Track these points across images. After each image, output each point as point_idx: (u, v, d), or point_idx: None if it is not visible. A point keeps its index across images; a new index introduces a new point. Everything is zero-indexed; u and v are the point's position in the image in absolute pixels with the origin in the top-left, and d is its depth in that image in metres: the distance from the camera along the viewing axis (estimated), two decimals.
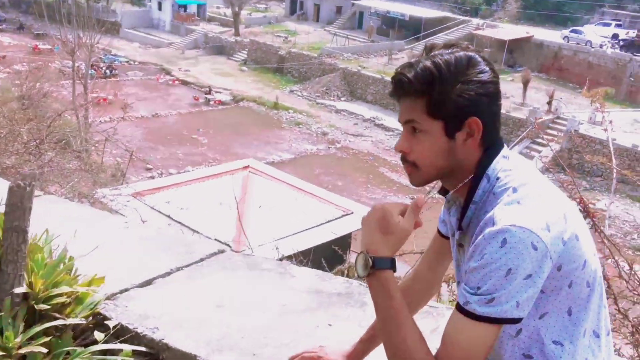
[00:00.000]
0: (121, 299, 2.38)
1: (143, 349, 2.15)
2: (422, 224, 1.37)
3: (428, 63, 1.33)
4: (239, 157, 20.78)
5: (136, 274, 2.57)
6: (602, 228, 3.33)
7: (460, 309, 1.25)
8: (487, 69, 1.35)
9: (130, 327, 2.18)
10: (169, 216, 10.96)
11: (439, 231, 1.64)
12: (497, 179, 1.33)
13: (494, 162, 1.35)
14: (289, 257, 5.10)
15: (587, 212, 3.15)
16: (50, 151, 7.58)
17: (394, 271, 1.30)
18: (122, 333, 2.20)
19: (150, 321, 2.19)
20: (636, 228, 20.79)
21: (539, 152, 24.08)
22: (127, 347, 2.18)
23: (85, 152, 18.10)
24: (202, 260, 2.70)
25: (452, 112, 1.32)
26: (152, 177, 19.81)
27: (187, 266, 2.63)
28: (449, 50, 1.35)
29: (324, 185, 18.77)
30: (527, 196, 1.27)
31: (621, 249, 3.52)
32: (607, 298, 3.03)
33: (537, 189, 1.30)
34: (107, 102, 27.39)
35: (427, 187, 1.61)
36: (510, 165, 1.35)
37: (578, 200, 3.18)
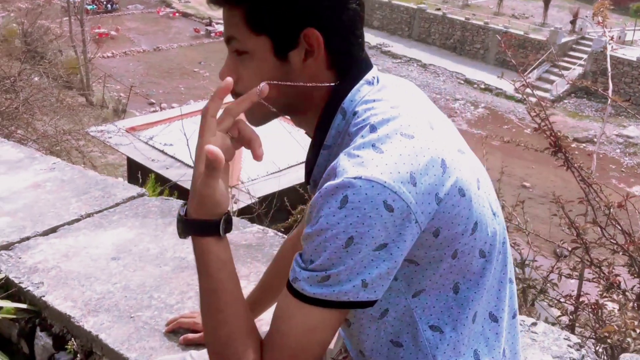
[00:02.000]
0: (18, 249, 2.16)
1: (24, 306, 1.94)
2: (261, 154, 1.00)
3: None
4: None
5: (42, 221, 2.34)
6: (584, 165, 2.93)
7: (289, 287, 0.96)
8: None
9: (16, 280, 1.96)
10: (162, 151, 10.75)
11: None
12: (355, 114, 1.00)
13: (353, 90, 1.02)
14: (265, 198, 4.87)
15: (558, 147, 2.72)
16: (27, 88, 7.28)
17: (221, 234, 1.00)
18: (7, 287, 1.98)
19: (37, 275, 1.97)
20: None
21: (560, 76, 22.91)
22: (7, 304, 1.97)
23: (85, 88, 17.88)
24: (116, 205, 2.46)
25: (277, 22, 0.99)
26: (155, 112, 19.55)
27: (98, 212, 2.39)
28: None
29: None
30: (387, 137, 0.93)
31: (609, 188, 3.07)
32: (575, 249, 2.74)
33: (406, 125, 0.95)
34: (109, 36, 26.88)
35: None
36: (377, 94, 1.02)
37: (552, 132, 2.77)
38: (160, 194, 5.41)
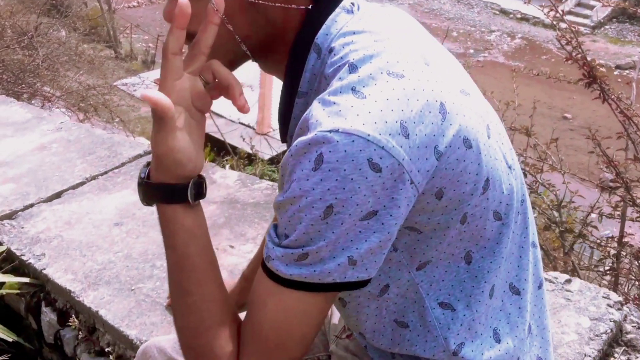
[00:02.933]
0: (21, 217, 2.07)
1: (27, 280, 1.86)
2: (242, 104, 0.82)
3: None
4: None
5: (46, 186, 2.25)
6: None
7: (263, 266, 0.80)
8: None
9: (18, 253, 1.88)
10: None
11: None
12: (331, 51, 0.81)
13: (328, 21, 0.83)
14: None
15: (592, 77, 2.45)
16: (47, 43, 7.16)
17: (190, 200, 0.82)
18: (11, 260, 1.90)
19: (39, 246, 1.88)
20: None
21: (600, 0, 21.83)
22: (11, 279, 1.89)
23: (112, 40, 17.75)
24: (122, 165, 2.35)
25: None
26: None
27: (103, 174, 2.29)
28: None
29: None
30: (370, 77, 0.74)
31: None
32: (616, 189, 2.52)
33: (394, 62, 0.76)
34: None
35: None
36: (358, 24, 0.82)
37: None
38: None
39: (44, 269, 1.77)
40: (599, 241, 2.36)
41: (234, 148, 4.75)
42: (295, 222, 0.74)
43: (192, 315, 0.84)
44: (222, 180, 2.08)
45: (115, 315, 1.54)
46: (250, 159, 4.31)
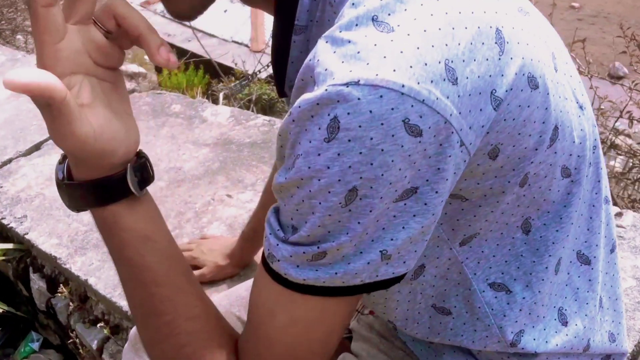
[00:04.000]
0: (0, 174, 1.89)
1: (10, 245, 1.70)
2: (163, 56, 0.56)
3: None
4: None
5: (24, 137, 2.06)
6: None
7: (265, 265, 0.61)
8: None
9: None
10: (181, 23, 10.18)
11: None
12: None
13: None
14: None
15: None
16: None
17: (134, 192, 0.61)
18: None
19: (21, 207, 1.70)
20: None
21: None
22: None
23: None
24: None
25: None
26: None
27: None
28: None
29: None
30: (398, 0, 0.52)
31: None
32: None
33: None
34: None
35: None
36: None
37: None
38: (186, 68, 5.06)
39: (27, 233, 1.61)
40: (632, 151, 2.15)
41: (229, 69, 4.49)
42: (305, 212, 0.55)
43: (168, 341, 0.65)
44: (213, 119, 1.87)
45: (106, 283, 1.39)
46: (247, 79, 4.07)
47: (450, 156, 0.52)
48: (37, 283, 1.66)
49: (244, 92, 3.27)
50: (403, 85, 0.49)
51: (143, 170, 0.62)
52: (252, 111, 2.48)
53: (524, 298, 0.68)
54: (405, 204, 0.54)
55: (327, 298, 0.58)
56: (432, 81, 0.50)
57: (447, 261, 0.67)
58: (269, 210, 0.61)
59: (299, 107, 0.51)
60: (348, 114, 0.49)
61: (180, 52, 5.19)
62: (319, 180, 0.52)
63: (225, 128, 1.81)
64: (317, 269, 0.56)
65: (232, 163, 1.65)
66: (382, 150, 0.50)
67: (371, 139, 0.49)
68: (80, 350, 1.58)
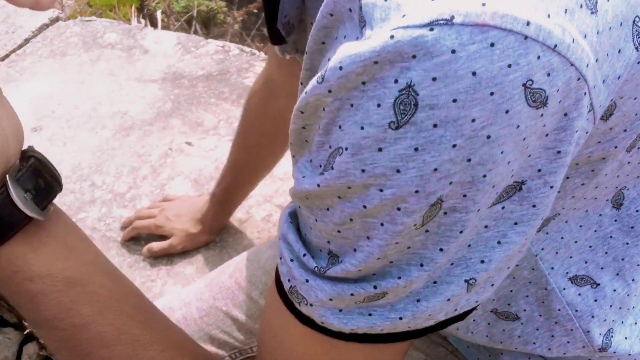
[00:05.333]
0: None
1: None
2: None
3: None
4: None
5: None
6: None
7: (284, 298, 0.43)
8: None
9: None
10: None
11: None
12: None
13: None
14: None
15: None
16: None
17: (40, 211, 0.39)
18: None
19: None
20: None
21: None
22: None
23: None
24: (26, 42, 1.85)
25: None
26: None
27: (4, 59, 1.79)
28: None
29: None
30: None
31: None
32: None
33: None
34: None
35: None
36: None
37: None
38: None
39: None
40: None
41: None
42: (355, 236, 0.37)
43: None
44: (157, 48, 1.62)
45: None
46: None
47: (576, 130, 0.34)
48: None
49: (182, 5, 2.94)
50: (528, 23, 0.30)
51: (37, 176, 0.40)
52: (196, 32, 2.21)
53: (614, 290, 0.54)
54: (503, 208, 0.37)
55: (382, 345, 0.42)
56: (566, 11, 0.31)
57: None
58: (282, 215, 0.43)
59: (339, 67, 0.32)
60: (433, 79, 0.30)
61: None
62: (382, 190, 0.34)
63: (173, 59, 1.57)
64: (372, 312, 0.39)
65: (186, 102, 1.43)
66: (489, 137, 0.32)
67: (473, 120, 0.31)
68: None
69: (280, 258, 0.42)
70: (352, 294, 0.38)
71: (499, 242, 0.38)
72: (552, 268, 0.52)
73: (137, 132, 1.38)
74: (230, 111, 1.39)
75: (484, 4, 0.29)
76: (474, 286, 0.39)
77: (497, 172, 0.34)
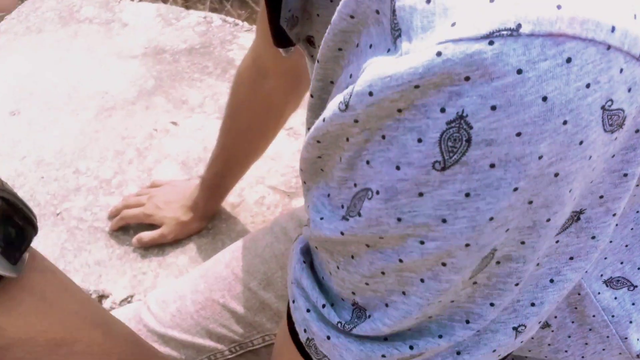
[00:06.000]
0: None
1: None
2: None
3: None
4: None
5: None
6: None
7: (301, 350, 0.37)
8: None
9: None
10: None
11: None
12: None
13: None
14: None
15: None
16: None
17: (10, 266, 0.35)
18: None
19: None
20: None
21: None
22: None
23: None
24: (0, 19, 1.76)
25: None
26: None
27: None
28: None
29: None
30: None
31: None
32: None
33: None
34: None
35: None
36: None
37: None
38: None
39: None
40: None
41: None
42: (388, 291, 0.32)
43: None
44: (136, 21, 1.54)
45: (44, 255, 1.15)
46: None
47: None
48: None
49: None
50: (613, 29, 0.24)
51: (6, 224, 0.34)
52: (175, 2, 2.11)
53: None
54: (557, 242, 0.32)
55: None
56: None
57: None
58: (292, 252, 0.38)
59: (369, 92, 0.26)
60: (493, 108, 0.24)
61: None
62: (423, 243, 0.28)
63: (153, 32, 1.49)
64: None
65: (169, 78, 1.36)
66: (557, 175, 0.26)
67: (540, 158, 0.25)
68: None
69: (293, 302, 0.37)
70: (383, 355, 0.33)
71: (551, 281, 0.33)
72: (586, 272, 0.48)
73: (119, 112, 1.32)
74: (216, 87, 1.32)
75: (559, 7, 0.23)
76: (522, 333, 0.34)
77: (561, 214, 0.28)
